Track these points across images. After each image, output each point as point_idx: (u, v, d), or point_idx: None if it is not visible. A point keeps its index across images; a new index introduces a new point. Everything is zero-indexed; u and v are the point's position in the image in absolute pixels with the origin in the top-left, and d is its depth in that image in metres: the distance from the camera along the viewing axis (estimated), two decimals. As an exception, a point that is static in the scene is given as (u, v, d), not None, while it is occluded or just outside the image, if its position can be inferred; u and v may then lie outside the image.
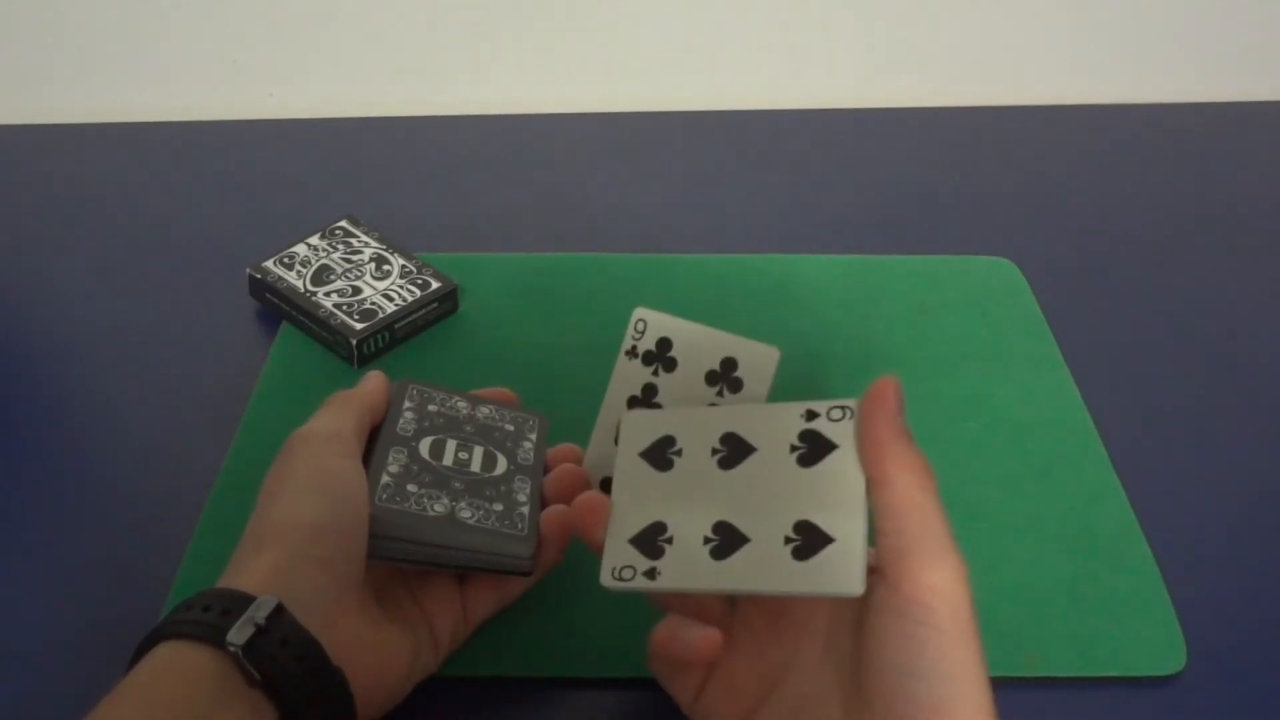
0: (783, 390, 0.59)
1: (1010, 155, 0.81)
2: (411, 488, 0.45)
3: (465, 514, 0.45)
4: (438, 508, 0.44)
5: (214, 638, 0.35)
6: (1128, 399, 0.60)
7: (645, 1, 0.84)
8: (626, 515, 0.41)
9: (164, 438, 0.57)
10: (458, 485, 0.46)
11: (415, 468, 0.46)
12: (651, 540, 0.40)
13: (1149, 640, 0.47)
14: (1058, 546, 0.51)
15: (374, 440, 0.47)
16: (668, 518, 0.40)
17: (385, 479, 0.45)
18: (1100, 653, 0.47)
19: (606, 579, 0.40)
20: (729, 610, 0.42)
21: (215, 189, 0.76)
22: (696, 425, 0.42)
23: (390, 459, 0.46)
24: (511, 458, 0.48)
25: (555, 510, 0.46)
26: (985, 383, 0.60)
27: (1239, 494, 0.55)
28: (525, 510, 0.46)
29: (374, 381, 0.49)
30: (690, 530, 0.39)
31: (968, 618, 0.35)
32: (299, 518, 0.40)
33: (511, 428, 0.50)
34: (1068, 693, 0.46)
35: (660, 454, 0.42)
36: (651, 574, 0.39)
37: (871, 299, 0.65)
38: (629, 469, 0.42)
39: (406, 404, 0.49)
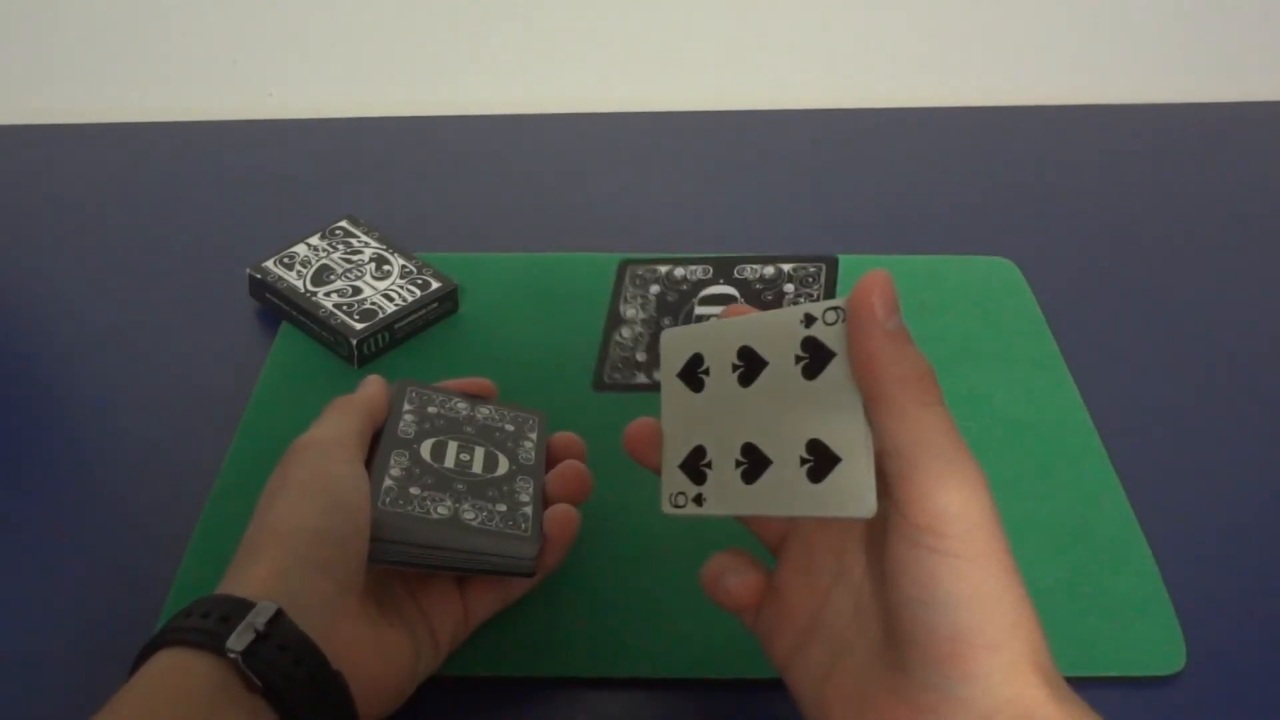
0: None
1: (1010, 155, 0.81)
2: (414, 490, 0.45)
3: (469, 515, 0.45)
4: (441, 510, 0.44)
5: (213, 644, 0.35)
6: (1128, 399, 0.60)
7: (645, 1, 0.84)
8: (675, 440, 0.40)
9: (164, 438, 0.57)
10: (460, 487, 0.46)
11: (417, 470, 0.46)
12: (695, 466, 0.39)
13: (1149, 640, 0.47)
14: (1058, 546, 0.51)
15: (376, 444, 0.47)
16: (706, 441, 0.39)
17: (388, 482, 0.45)
18: (1100, 653, 0.47)
19: (666, 507, 0.39)
20: (788, 521, 0.41)
21: (215, 189, 0.76)
22: (718, 340, 0.40)
23: (392, 462, 0.46)
24: (513, 458, 0.48)
25: (558, 510, 0.47)
26: (985, 383, 0.60)
27: (1239, 494, 0.55)
28: (529, 510, 0.46)
29: (374, 386, 0.49)
30: (724, 454, 0.38)
31: (987, 537, 0.32)
32: (299, 522, 0.40)
33: (511, 428, 0.50)
34: (1068, 693, 0.46)
35: (692, 374, 0.40)
36: (699, 500, 0.39)
37: (871, 299, 0.65)
38: (671, 392, 0.41)
39: (406, 406, 0.49)
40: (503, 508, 0.46)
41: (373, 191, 0.76)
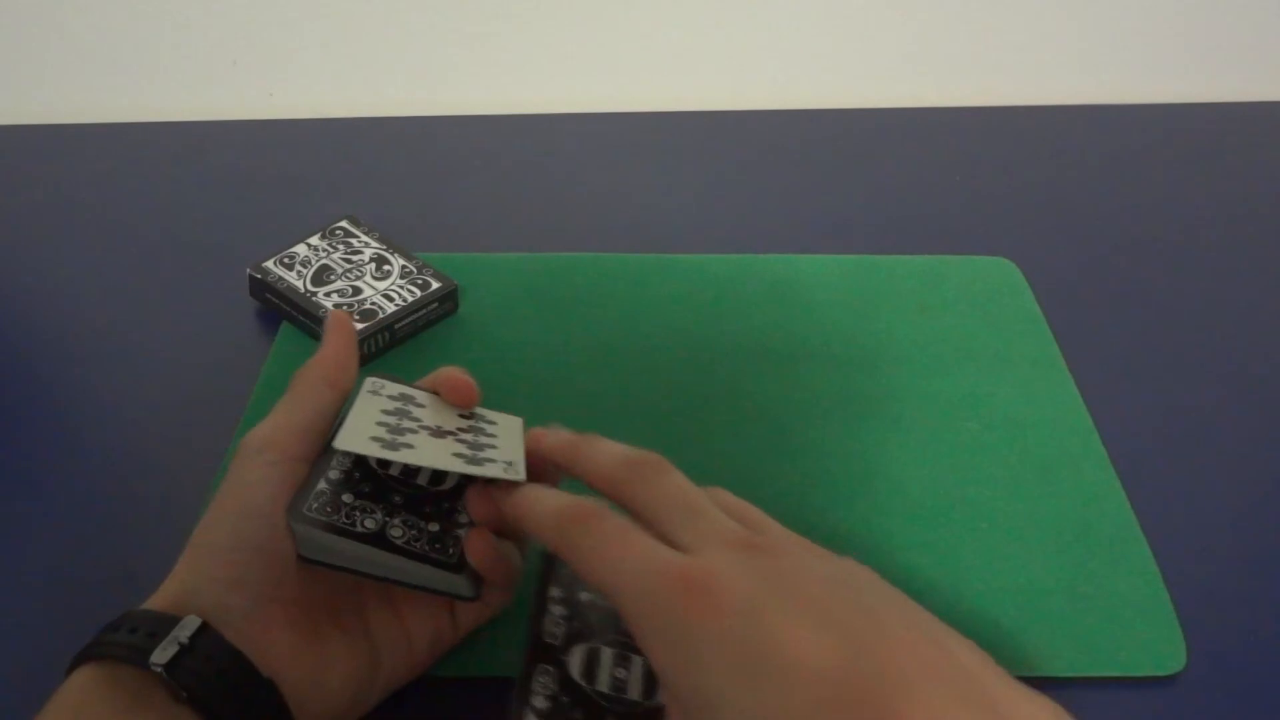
0: (782, 392, 0.59)
1: (1010, 155, 0.81)
2: (346, 498, 0.41)
3: (396, 533, 0.41)
4: (368, 523, 0.41)
5: (138, 659, 0.36)
6: (1128, 399, 0.60)
7: (647, 1, 0.84)
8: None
9: (164, 438, 0.57)
10: (397, 499, 0.43)
11: (358, 474, 0.43)
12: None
13: (1149, 640, 0.47)
14: (1058, 546, 0.51)
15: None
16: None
17: (321, 485, 0.42)
18: (1100, 653, 0.47)
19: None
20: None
21: (215, 189, 0.76)
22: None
23: (335, 462, 0.43)
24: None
25: (476, 538, 0.42)
26: (985, 383, 0.60)
27: (1239, 494, 0.55)
28: (463, 533, 0.42)
29: (335, 334, 0.46)
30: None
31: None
32: (211, 538, 0.40)
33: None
34: (1068, 693, 0.46)
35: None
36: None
37: (871, 299, 0.65)
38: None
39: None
40: (435, 527, 0.42)
41: (373, 191, 0.76)
